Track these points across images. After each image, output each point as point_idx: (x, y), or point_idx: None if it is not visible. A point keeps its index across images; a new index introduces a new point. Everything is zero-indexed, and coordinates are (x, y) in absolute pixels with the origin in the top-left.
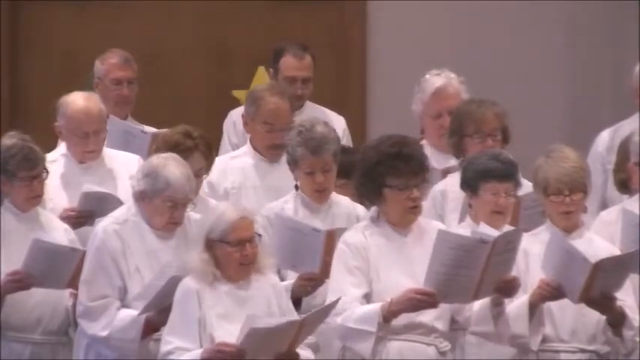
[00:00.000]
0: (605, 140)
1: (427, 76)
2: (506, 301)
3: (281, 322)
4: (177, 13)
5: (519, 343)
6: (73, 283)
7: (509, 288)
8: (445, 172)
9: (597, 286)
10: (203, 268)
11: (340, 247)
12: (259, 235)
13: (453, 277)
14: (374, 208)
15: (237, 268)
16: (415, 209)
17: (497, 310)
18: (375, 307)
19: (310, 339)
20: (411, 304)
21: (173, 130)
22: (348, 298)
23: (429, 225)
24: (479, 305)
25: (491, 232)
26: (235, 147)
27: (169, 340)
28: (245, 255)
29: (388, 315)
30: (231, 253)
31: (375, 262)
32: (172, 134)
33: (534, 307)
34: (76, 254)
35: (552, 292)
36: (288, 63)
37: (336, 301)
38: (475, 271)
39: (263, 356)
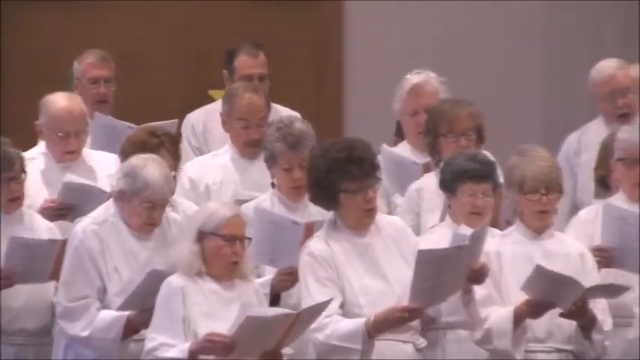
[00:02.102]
0: (572, 143)
1: (408, 75)
2: (491, 311)
3: (277, 314)
4: (155, 14)
5: (502, 355)
6: (55, 274)
7: (478, 276)
8: (427, 167)
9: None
10: (190, 260)
11: (306, 259)
12: (249, 239)
13: (436, 285)
14: (331, 214)
15: (224, 265)
16: (372, 211)
17: (467, 298)
18: (358, 323)
19: (287, 350)
20: (399, 322)
21: (137, 130)
22: (326, 311)
23: (382, 221)
24: None
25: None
26: (196, 150)
27: (154, 336)
28: (235, 252)
29: (372, 332)
30: (222, 247)
31: (344, 270)
32: (137, 134)
33: (519, 320)
34: (55, 245)
35: (539, 308)
36: (243, 61)
37: (328, 302)
38: (455, 275)
39: (251, 351)
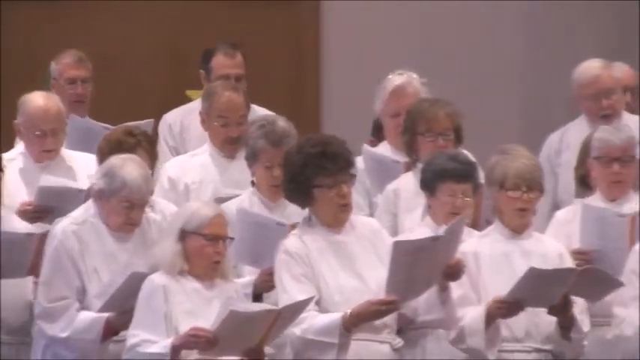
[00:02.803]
0: (554, 143)
1: (390, 76)
2: (467, 311)
3: (260, 309)
4: (131, 14)
5: (475, 355)
6: (34, 269)
7: (454, 272)
8: (408, 166)
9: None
10: (172, 259)
11: (282, 257)
12: (232, 239)
13: (412, 278)
14: (306, 211)
15: (206, 264)
16: (346, 207)
17: (444, 296)
18: (335, 317)
19: (268, 350)
20: (375, 315)
21: (114, 130)
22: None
23: (357, 220)
24: (425, 293)
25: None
26: (173, 150)
27: (136, 333)
28: (217, 252)
29: (349, 326)
30: (204, 247)
31: (319, 267)
32: (113, 133)
33: (491, 320)
34: (32, 239)
35: (508, 308)
36: (220, 61)
37: (310, 299)
38: (430, 267)
39: (233, 347)
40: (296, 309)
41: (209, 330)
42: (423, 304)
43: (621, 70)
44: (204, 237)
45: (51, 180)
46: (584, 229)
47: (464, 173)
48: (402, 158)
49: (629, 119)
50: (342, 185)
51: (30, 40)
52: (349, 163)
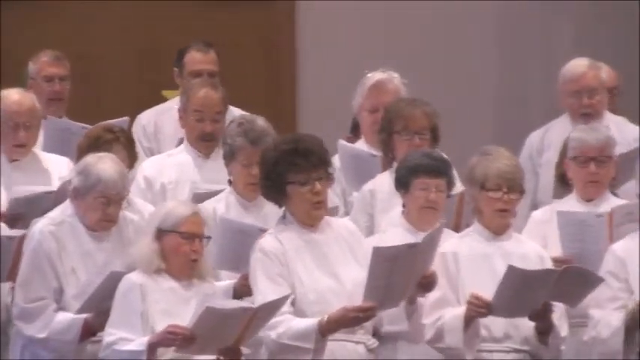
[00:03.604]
0: (535, 142)
1: (370, 74)
2: (445, 312)
3: (236, 307)
4: (106, 14)
5: (453, 354)
6: (13, 273)
7: (428, 283)
8: (385, 161)
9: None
10: (149, 258)
11: (257, 255)
12: (208, 238)
13: (389, 285)
14: (283, 210)
15: (183, 263)
16: (319, 204)
17: (411, 309)
18: (311, 323)
19: (244, 350)
20: (353, 322)
21: (94, 127)
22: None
23: (334, 221)
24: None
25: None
26: (148, 150)
27: (112, 331)
28: (194, 250)
29: (325, 331)
30: (181, 245)
31: (295, 266)
32: (93, 129)
33: (470, 320)
34: (12, 242)
35: (482, 308)
36: (193, 58)
37: (286, 297)
38: (408, 275)
39: (210, 345)
40: (272, 307)
41: (186, 327)
42: (388, 314)
43: (605, 72)
44: (180, 235)
45: (20, 191)
46: (563, 236)
47: (437, 169)
48: (379, 154)
49: (611, 120)
50: (316, 182)
51: (6, 41)
52: (323, 161)
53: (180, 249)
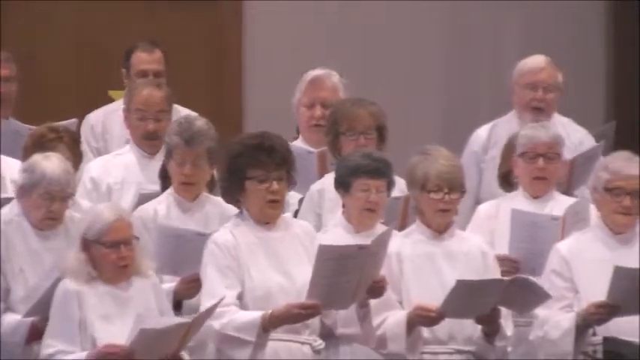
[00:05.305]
0: (481, 138)
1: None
2: (388, 315)
3: (171, 324)
4: (55, 14)
5: (397, 358)
6: None
7: (378, 288)
8: (322, 155)
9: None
10: (78, 268)
11: (210, 247)
12: (137, 238)
13: (334, 285)
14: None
15: (112, 270)
16: (275, 203)
17: (363, 312)
18: (255, 316)
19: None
20: (295, 318)
21: (39, 127)
22: (224, 300)
23: (292, 221)
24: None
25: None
26: (96, 150)
27: (50, 343)
28: (121, 257)
29: (268, 326)
30: (107, 255)
31: (246, 260)
32: (37, 128)
33: (412, 326)
34: None
35: (432, 319)
36: (139, 57)
37: (220, 301)
38: (354, 276)
39: (150, 357)
40: (207, 314)
41: (122, 345)
42: (341, 317)
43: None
44: (104, 245)
45: None
46: (513, 234)
47: (377, 169)
48: (315, 150)
49: (558, 120)
50: (274, 182)
51: None
52: (285, 162)
53: (107, 258)
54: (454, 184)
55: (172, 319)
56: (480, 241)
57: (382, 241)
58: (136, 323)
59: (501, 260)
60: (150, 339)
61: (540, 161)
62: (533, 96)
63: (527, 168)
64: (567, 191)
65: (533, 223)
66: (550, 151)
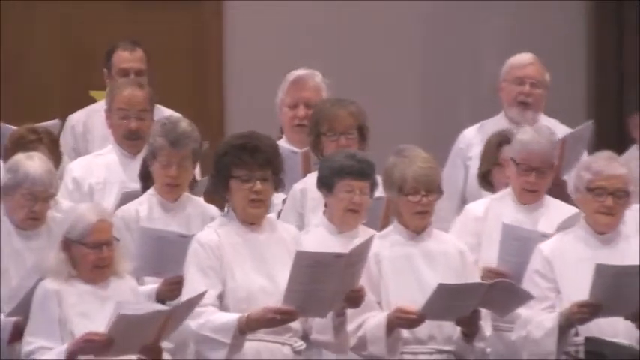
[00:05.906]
0: (469, 138)
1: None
2: (367, 317)
3: (149, 310)
4: (34, 14)
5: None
6: None
7: (356, 297)
8: (306, 156)
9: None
10: (58, 267)
11: (194, 246)
12: (117, 240)
13: (311, 292)
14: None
15: (92, 270)
16: (257, 203)
17: (338, 321)
18: (232, 318)
19: (166, 344)
20: (270, 323)
21: (19, 127)
22: (202, 300)
23: (279, 224)
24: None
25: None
26: (76, 151)
27: (30, 340)
28: (101, 257)
29: (244, 328)
30: (87, 255)
31: (229, 261)
32: (17, 129)
33: (392, 328)
34: None
35: (410, 319)
36: (120, 56)
37: (202, 294)
38: (331, 285)
39: (129, 346)
40: (189, 305)
41: (102, 333)
42: (316, 323)
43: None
44: (85, 246)
45: None
46: (503, 248)
47: (361, 171)
48: (299, 150)
49: (545, 121)
50: (257, 182)
51: None
52: (270, 162)
53: (87, 258)
54: (431, 187)
55: (152, 306)
56: (457, 241)
57: (361, 251)
58: (115, 309)
59: (489, 274)
60: (129, 325)
61: (532, 176)
62: (521, 90)
63: (519, 179)
64: (558, 174)
65: (523, 238)
66: (543, 165)
